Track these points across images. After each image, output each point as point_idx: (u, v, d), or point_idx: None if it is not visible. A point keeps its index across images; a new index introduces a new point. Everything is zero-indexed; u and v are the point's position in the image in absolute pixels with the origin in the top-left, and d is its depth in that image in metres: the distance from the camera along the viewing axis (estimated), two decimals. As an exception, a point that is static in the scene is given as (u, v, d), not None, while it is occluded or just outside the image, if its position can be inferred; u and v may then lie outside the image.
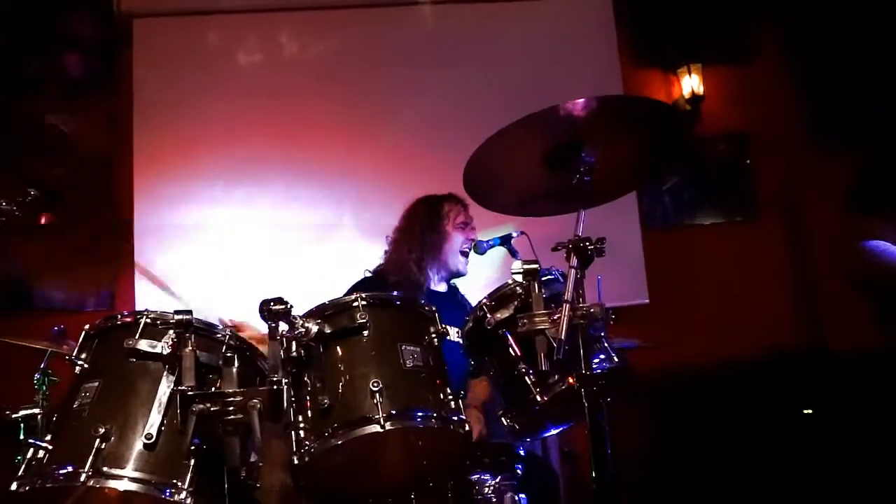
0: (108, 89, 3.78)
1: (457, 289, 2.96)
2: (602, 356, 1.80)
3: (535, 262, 1.75)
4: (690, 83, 4.09)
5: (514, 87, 3.75)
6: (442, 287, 2.89)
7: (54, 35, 3.79)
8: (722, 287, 3.98)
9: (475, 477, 2.04)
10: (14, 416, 1.95)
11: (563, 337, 1.53)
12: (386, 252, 2.94)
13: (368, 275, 2.85)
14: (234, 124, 3.73)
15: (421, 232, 2.86)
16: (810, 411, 3.34)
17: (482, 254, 2.92)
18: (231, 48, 3.86)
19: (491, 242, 2.90)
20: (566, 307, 1.57)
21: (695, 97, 4.08)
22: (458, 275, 2.91)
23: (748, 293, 3.98)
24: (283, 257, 3.63)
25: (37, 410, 1.99)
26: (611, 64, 3.98)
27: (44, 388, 2.05)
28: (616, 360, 1.83)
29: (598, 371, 1.73)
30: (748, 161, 4.14)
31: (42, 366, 2.12)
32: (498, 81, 3.84)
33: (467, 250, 2.88)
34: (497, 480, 2.06)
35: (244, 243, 3.68)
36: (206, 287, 3.51)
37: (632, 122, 1.84)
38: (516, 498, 2.11)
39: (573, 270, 1.64)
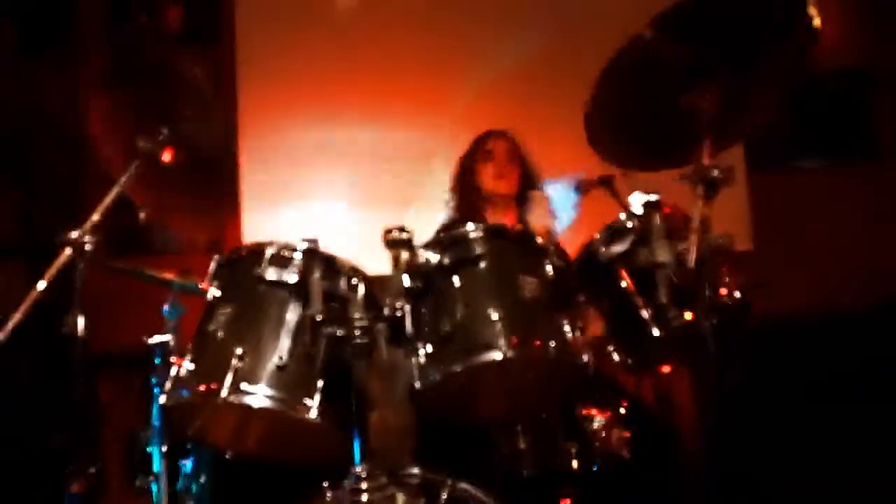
0: (213, 40, 3.90)
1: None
2: (724, 291, 1.75)
3: (656, 192, 1.70)
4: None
5: (616, 19, 3.60)
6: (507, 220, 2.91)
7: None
8: (834, 235, 3.75)
9: (584, 411, 2.05)
10: (150, 341, 2.08)
11: (692, 265, 1.49)
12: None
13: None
14: (335, 69, 3.76)
15: (463, 183, 2.98)
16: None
17: (583, 195, 2.88)
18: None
19: (593, 182, 2.84)
20: (694, 237, 1.53)
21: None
22: (503, 197, 2.94)
23: (863, 242, 3.73)
24: (383, 199, 3.71)
25: (169, 337, 2.11)
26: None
27: (174, 317, 2.17)
28: (738, 296, 1.78)
29: (721, 306, 1.70)
30: (868, 97, 3.83)
31: (171, 297, 2.24)
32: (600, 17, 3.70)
33: (500, 173, 2.91)
34: (605, 416, 2.06)
35: (345, 182, 3.78)
36: (308, 226, 3.63)
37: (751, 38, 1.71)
38: (623, 435, 2.11)
39: (700, 200, 1.59)
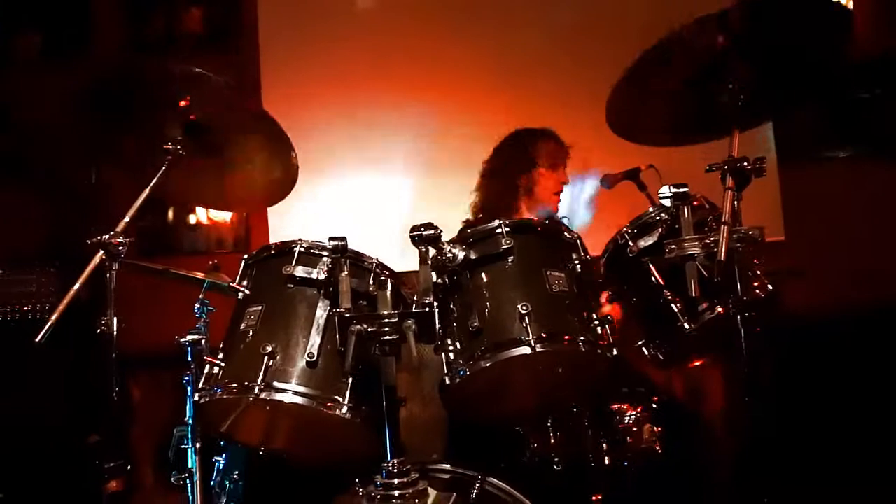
0: (236, 41, 3.93)
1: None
2: (756, 283, 1.72)
3: (685, 185, 1.67)
4: (837, -3, 3.69)
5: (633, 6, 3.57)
6: None
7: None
8: (866, 224, 3.67)
9: (615, 406, 2.04)
10: (182, 340, 2.10)
11: (722, 258, 1.46)
12: (477, 191, 2.94)
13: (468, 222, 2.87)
14: (355, 67, 3.77)
15: (513, 171, 2.84)
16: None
17: (609, 188, 2.86)
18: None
19: (619, 176, 2.82)
20: (724, 229, 1.50)
21: (842, 13, 3.68)
22: (550, 214, 2.87)
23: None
24: (406, 201, 3.73)
25: (201, 335, 2.13)
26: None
27: (204, 315, 2.19)
28: (770, 287, 1.75)
29: (754, 298, 1.67)
30: (897, 86, 3.74)
31: (200, 296, 2.26)
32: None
33: (560, 190, 2.84)
34: (637, 411, 2.05)
35: (370, 184, 3.78)
36: (328, 226, 3.66)
37: (784, 30, 1.70)
38: (655, 429, 2.10)
39: (730, 192, 1.56)
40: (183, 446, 2.11)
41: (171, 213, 3.94)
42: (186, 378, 2.11)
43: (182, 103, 1.84)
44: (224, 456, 2.18)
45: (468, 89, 3.71)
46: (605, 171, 2.91)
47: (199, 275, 2.33)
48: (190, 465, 2.07)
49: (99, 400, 1.80)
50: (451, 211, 3.18)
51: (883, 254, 3.62)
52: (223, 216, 3.96)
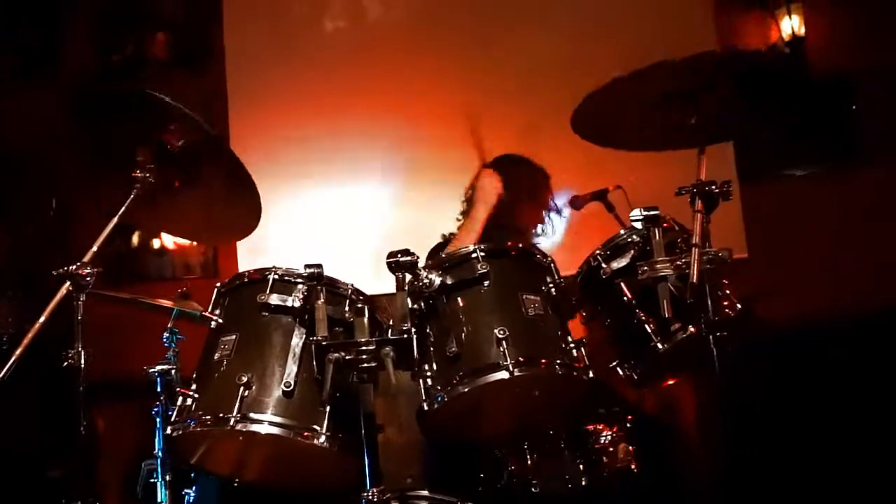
0: (202, 65, 3.91)
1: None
2: (726, 303, 1.76)
3: (655, 208, 1.71)
4: (791, 24, 3.85)
5: (604, 23, 3.67)
6: None
7: (150, 16, 3.96)
8: (827, 239, 3.78)
9: (591, 427, 2.05)
10: (151, 371, 2.06)
11: (695, 280, 1.50)
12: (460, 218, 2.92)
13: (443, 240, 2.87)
14: (323, 90, 3.78)
15: (524, 195, 2.84)
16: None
17: (578, 209, 2.90)
18: (317, 15, 3.90)
19: (587, 197, 2.87)
20: (695, 251, 1.54)
21: (795, 39, 3.84)
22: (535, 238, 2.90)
23: (858, 247, 3.76)
24: (374, 223, 3.72)
25: (171, 366, 2.09)
26: (703, 5, 3.80)
27: (173, 345, 2.15)
28: (739, 306, 1.79)
29: (724, 318, 1.71)
30: (853, 107, 3.89)
31: (170, 325, 2.22)
32: (590, 21, 3.73)
33: (541, 219, 2.86)
34: (612, 431, 2.07)
35: (341, 205, 3.78)
36: (298, 247, 3.63)
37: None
38: (629, 448, 2.11)
39: (699, 214, 1.60)
40: (152, 480, 2.05)
41: (136, 238, 3.87)
42: (156, 409, 2.07)
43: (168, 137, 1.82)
44: (194, 488, 2.13)
45: (442, 109, 3.70)
46: (583, 190, 2.95)
47: (169, 303, 2.29)
48: (160, 500, 2.01)
49: (65, 435, 1.74)
50: (425, 229, 3.18)
51: (843, 267, 3.73)
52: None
